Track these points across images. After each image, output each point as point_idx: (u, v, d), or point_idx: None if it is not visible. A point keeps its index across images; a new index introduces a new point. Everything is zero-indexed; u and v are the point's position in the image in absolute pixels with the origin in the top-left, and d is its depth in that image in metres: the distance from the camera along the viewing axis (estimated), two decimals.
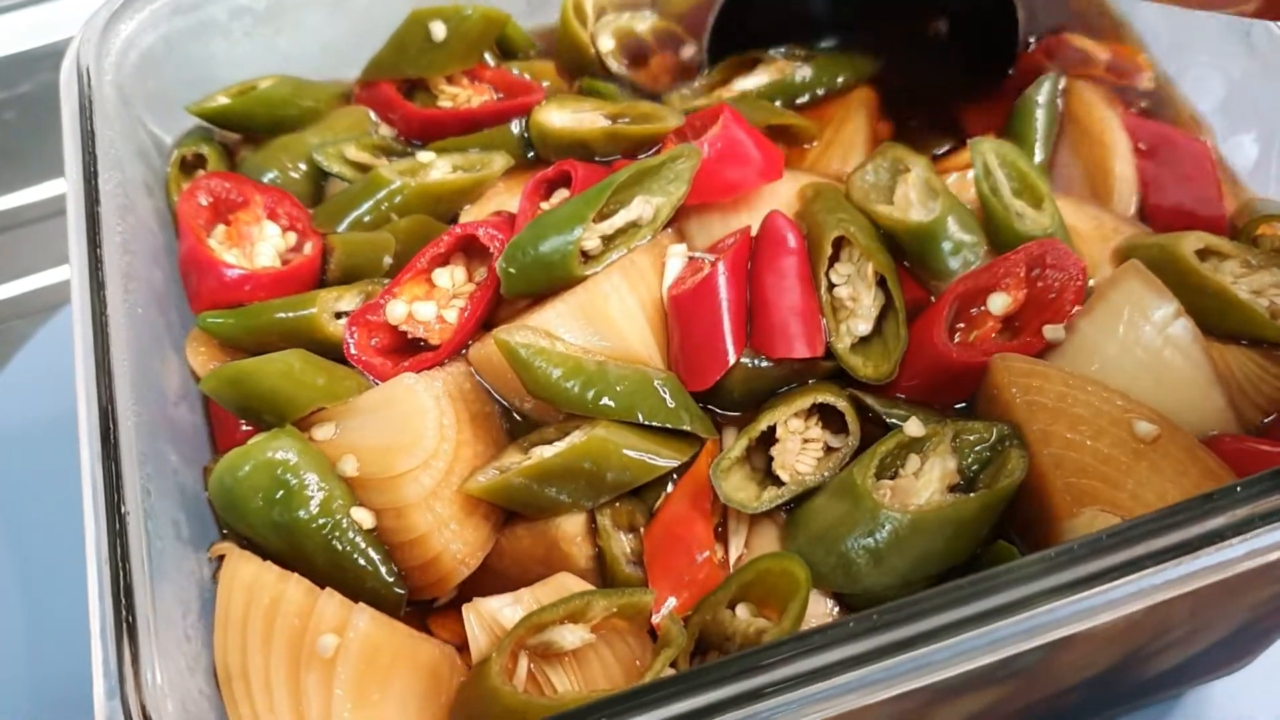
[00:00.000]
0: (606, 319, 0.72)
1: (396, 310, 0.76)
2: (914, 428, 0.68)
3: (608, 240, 0.74)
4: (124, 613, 0.59)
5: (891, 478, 0.67)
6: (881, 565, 0.64)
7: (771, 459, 0.70)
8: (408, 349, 0.77)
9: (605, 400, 0.69)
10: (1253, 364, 0.72)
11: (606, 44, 0.94)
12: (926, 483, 0.66)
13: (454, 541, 0.68)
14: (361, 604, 0.64)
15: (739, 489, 0.69)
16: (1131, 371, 0.70)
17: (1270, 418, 0.72)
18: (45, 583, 1.03)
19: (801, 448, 0.70)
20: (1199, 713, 0.92)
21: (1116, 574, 0.55)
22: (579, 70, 0.95)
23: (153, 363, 0.74)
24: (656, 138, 0.84)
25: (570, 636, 0.62)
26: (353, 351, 0.75)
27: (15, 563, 1.04)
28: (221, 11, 0.90)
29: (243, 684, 0.62)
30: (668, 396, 0.70)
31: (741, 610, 0.65)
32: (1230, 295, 0.72)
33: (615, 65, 0.94)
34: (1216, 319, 0.73)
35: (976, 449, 0.68)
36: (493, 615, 0.66)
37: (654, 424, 0.69)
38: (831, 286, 0.74)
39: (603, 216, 0.74)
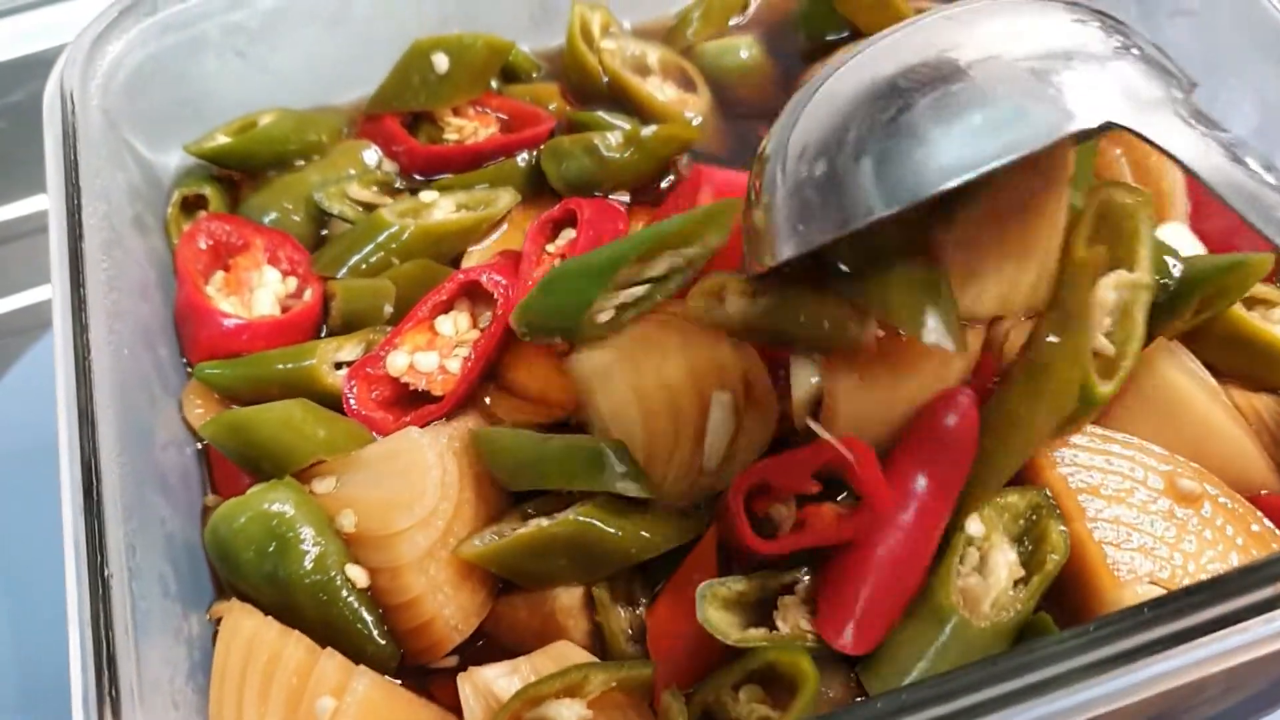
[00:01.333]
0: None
1: (398, 362, 0.73)
2: (975, 527, 0.63)
3: (623, 308, 0.69)
4: (107, 684, 0.56)
5: None
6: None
7: (773, 601, 0.64)
8: (410, 400, 0.73)
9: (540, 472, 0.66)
10: None
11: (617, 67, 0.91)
12: (995, 581, 0.61)
13: (447, 606, 0.65)
14: (363, 666, 0.62)
15: (721, 613, 0.62)
16: (1169, 439, 0.67)
17: None
18: (32, 609, 1.00)
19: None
20: None
21: (1160, 648, 0.52)
22: (586, 93, 0.91)
23: (140, 405, 0.71)
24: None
25: (567, 713, 0.59)
26: (353, 405, 0.72)
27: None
28: (214, 29, 0.87)
29: None
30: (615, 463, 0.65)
31: (746, 694, 0.61)
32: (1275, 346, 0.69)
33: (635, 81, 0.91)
34: (1265, 371, 0.70)
35: (1018, 525, 0.64)
36: (488, 685, 0.63)
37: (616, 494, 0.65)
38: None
39: (621, 285, 0.69)
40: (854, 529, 0.59)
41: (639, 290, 0.69)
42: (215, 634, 0.66)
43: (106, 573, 0.59)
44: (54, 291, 0.70)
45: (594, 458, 0.65)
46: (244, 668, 0.61)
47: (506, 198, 0.84)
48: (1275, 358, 0.69)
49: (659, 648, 0.63)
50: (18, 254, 1.31)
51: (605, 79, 0.91)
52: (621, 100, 0.90)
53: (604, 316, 0.68)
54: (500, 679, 0.62)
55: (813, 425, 0.62)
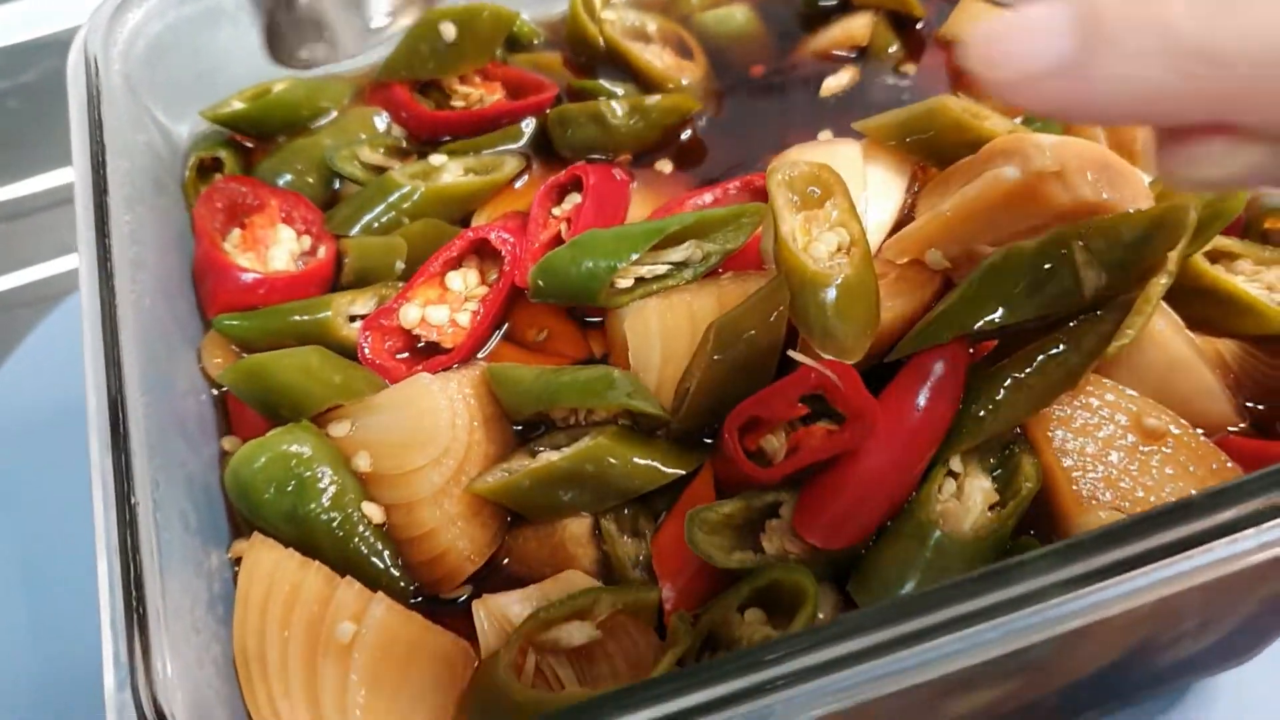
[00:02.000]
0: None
1: (410, 314, 0.76)
2: (956, 464, 0.67)
3: (642, 281, 0.74)
4: (135, 604, 0.59)
5: None
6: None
7: (760, 524, 0.68)
8: (422, 352, 0.77)
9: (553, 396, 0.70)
10: (1252, 358, 0.73)
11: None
12: (970, 507, 0.65)
13: (460, 538, 0.68)
14: (380, 594, 0.64)
15: (711, 538, 0.66)
16: (1139, 376, 0.70)
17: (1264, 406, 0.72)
18: (51, 575, 1.03)
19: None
20: (1206, 704, 0.92)
21: (1127, 567, 0.55)
22: (587, 61, 0.94)
23: (160, 354, 0.74)
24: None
25: (577, 633, 0.63)
26: (367, 355, 0.75)
27: (19, 554, 1.04)
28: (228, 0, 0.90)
29: (259, 667, 0.63)
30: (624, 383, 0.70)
31: (751, 615, 0.64)
32: (1246, 299, 0.72)
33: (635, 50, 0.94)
34: (1231, 321, 0.73)
35: (992, 460, 0.67)
36: (501, 612, 0.66)
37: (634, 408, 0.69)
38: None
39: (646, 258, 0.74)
40: (841, 443, 0.62)
41: (660, 269, 0.74)
42: (234, 571, 0.69)
43: (133, 501, 0.62)
44: (79, 239, 0.72)
45: (605, 378, 0.69)
46: (266, 596, 0.64)
47: (512, 164, 0.87)
48: (1238, 306, 0.72)
49: (665, 572, 0.66)
50: (33, 227, 1.35)
51: (604, 46, 0.94)
52: (621, 67, 0.94)
53: (623, 283, 0.73)
54: (513, 605, 0.65)
55: (794, 355, 0.65)
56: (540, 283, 0.74)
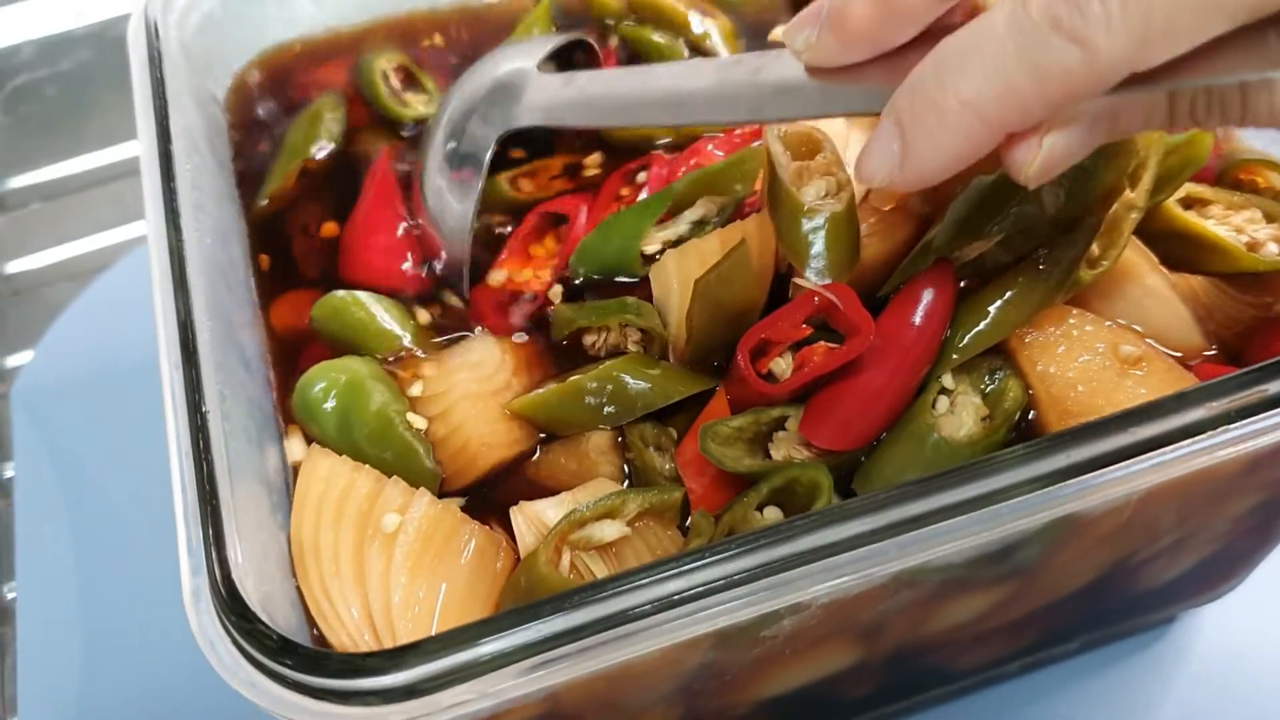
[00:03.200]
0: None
1: (498, 277, 0.87)
2: (949, 380, 0.73)
3: (668, 245, 0.82)
4: (208, 497, 0.64)
5: None
6: None
7: (768, 436, 0.73)
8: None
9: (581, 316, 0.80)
10: (1223, 294, 0.80)
11: None
12: (963, 419, 0.72)
13: (486, 432, 0.77)
14: (423, 489, 0.71)
15: (724, 449, 0.72)
16: (1116, 305, 0.77)
17: (1235, 333, 0.79)
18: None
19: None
20: (1190, 637, 0.98)
21: (1101, 463, 0.61)
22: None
23: (219, 290, 0.80)
24: None
25: (609, 530, 0.69)
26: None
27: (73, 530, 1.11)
28: None
29: (314, 555, 0.69)
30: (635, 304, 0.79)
31: (770, 513, 0.70)
32: (1215, 239, 0.78)
33: None
34: (1202, 259, 0.79)
35: (982, 383, 0.74)
36: (537, 515, 0.72)
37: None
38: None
39: (665, 220, 0.83)
40: (842, 355, 0.69)
41: (683, 228, 0.83)
42: (289, 482, 0.76)
43: (204, 409, 0.68)
44: (145, 181, 0.78)
45: (619, 303, 0.79)
46: (321, 495, 0.71)
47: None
48: (1208, 246, 0.78)
49: (689, 475, 0.72)
50: (68, 208, 1.41)
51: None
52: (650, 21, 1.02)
53: (650, 248, 0.82)
54: (548, 509, 0.72)
55: (798, 281, 0.72)
56: (580, 268, 0.84)
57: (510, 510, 0.73)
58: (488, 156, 0.87)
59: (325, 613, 0.68)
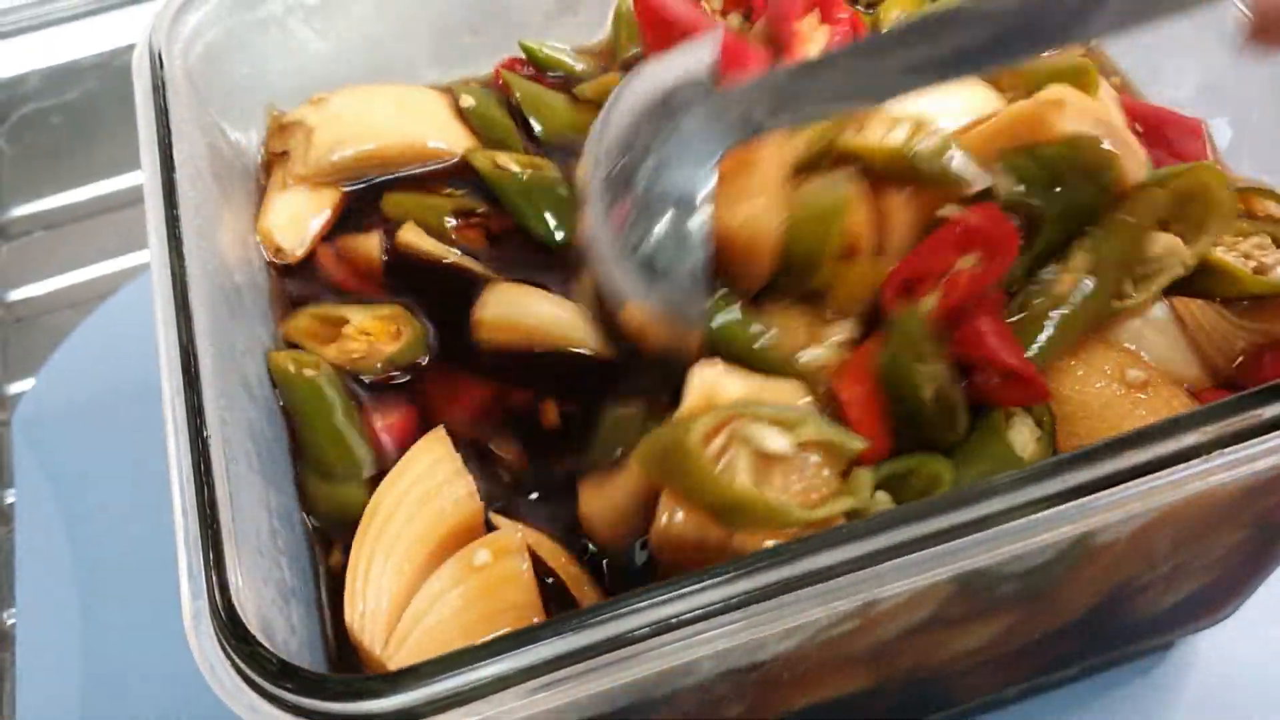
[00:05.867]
0: None
1: None
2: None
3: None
4: (209, 521, 0.64)
5: None
6: None
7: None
8: None
9: None
10: (1223, 320, 0.80)
11: None
12: (1025, 437, 0.73)
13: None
14: (527, 546, 0.71)
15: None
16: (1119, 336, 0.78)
17: (1239, 361, 0.79)
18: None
19: None
20: (1188, 662, 0.98)
21: (1099, 486, 0.61)
22: None
23: (221, 315, 0.80)
24: None
25: (776, 441, 0.64)
26: None
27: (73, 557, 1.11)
28: (278, 6, 0.98)
29: (380, 524, 0.72)
30: None
31: (879, 496, 0.68)
32: (1223, 265, 0.79)
33: None
34: (1208, 284, 0.79)
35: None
36: (716, 380, 0.68)
37: None
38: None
39: None
40: (992, 273, 0.70)
41: None
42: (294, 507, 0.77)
43: (205, 434, 0.68)
44: (147, 206, 0.78)
45: None
46: (417, 476, 0.74)
47: None
48: (1215, 272, 0.78)
49: (861, 425, 0.70)
50: (71, 236, 1.42)
51: None
52: None
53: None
54: (732, 384, 0.68)
55: (942, 213, 0.74)
56: None
57: (694, 366, 0.70)
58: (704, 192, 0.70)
59: (357, 583, 0.70)
